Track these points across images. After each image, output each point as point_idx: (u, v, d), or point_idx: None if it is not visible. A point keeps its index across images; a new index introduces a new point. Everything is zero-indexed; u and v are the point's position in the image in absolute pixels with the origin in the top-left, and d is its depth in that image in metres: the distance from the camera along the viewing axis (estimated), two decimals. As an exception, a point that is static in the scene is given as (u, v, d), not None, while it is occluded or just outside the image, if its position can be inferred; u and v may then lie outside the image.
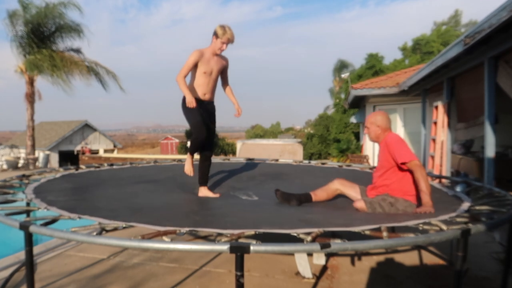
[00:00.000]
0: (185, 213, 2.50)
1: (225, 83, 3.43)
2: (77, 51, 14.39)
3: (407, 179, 2.70)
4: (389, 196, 2.71)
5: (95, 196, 2.95)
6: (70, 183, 3.35)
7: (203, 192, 3.30)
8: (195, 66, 3.13)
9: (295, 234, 1.76)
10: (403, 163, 2.63)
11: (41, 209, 2.31)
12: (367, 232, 1.82)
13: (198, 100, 3.13)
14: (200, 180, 3.34)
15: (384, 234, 1.73)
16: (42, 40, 13.41)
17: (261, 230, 1.78)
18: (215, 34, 3.11)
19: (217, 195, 3.28)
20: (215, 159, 5.23)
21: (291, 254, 3.05)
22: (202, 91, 3.20)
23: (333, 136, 20.48)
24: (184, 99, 3.12)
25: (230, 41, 3.12)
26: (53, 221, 1.99)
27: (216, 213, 2.55)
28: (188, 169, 3.36)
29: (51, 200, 2.53)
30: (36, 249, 3.47)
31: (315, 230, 1.75)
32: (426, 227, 1.92)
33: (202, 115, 3.18)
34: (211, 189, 3.45)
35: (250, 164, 4.77)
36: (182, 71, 3.09)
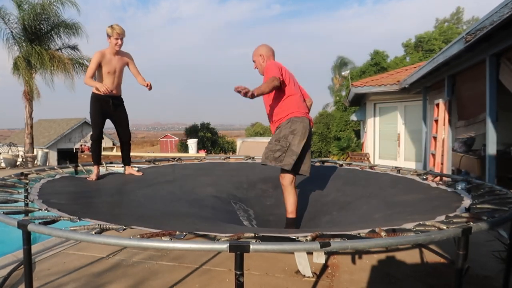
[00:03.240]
0: (185, 221, 2.48)
1: (136, 76, 3.70)
2: (73, 48, 14.40)
3: (288, 101, 2.88)
4: (281, 128, 2.87)
5: (95, 200, 2.92)
6: (69, 186, 3.28)
7: (128, 170, 3.86)
8: (100, 67, 3.46)
9: (294, 237, 1.74)
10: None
11: (42, 210, 2.28)
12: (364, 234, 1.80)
13: (106, 96, 3.50)
14: (124, 161, 3.87)
15: (383, 234, 1.71)
16: (39, 37, 13.40)
17: (261, 234, 1.76)
18: (107, 36, 3.45)
19: (140, 173, 3.85)
20: (215, 157, 5.20)
21: (291, 253, 3.04)
22: (110, 89, 3.47)
23: (333, 134, 20.47)
24: (92, 97, 3.52)
25: (120, 35, 3.43)
26: (53, 221, 1.97)
27: (217, 220, 2.52)
28: (92, 177, 3.58)
29: (51, 203, 2.48)
30: (35, 248, 3.46)
31: (313, 235, 1.73)
32: (422, 228, 1.89)
33: (103, 115, 3.58)
34: (214, 192, 3.55)
35: (250, 166, 4.63)
36: (87, 74, 3.45)
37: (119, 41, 3.44)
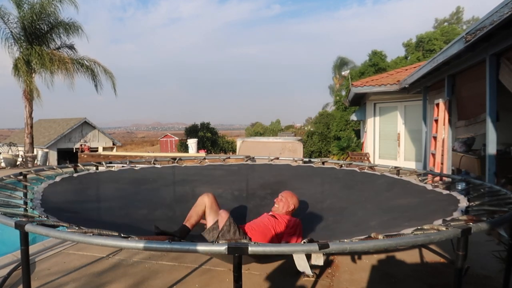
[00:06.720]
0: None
1: None
2: (70, 47, 14.41)
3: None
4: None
5: (95, 206, 2.92)
6: (69, 191, 3.19)
7: None
8: None
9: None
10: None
11: (42, 217, 2.26)
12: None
13: None
14: None
15: (380, 236, 1.70)
16: (39, 37, 13.40)
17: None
18: None
19: None
20: (214, 156, 5.18)
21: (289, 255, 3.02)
22: None
23: (333, 134, 20.44)
24: None
25: None
26: (53, 226, 1.95)
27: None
28: None
29: (52, 211, 2.44)
30: (34, 248, 3.46)
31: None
32: (421, 233, 1.84)
33: None
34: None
35: (249, 169, 4.58)
36: None
37: None
